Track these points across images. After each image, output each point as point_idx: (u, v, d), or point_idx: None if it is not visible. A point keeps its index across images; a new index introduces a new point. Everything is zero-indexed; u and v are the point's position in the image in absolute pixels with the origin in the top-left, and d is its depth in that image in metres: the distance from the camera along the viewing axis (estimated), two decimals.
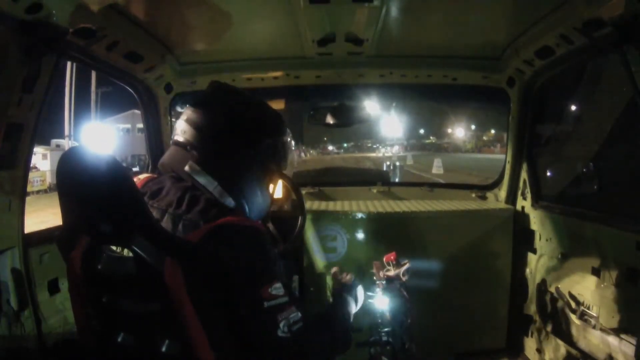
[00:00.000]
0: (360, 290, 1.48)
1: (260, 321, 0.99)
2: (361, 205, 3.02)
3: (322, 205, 3.04)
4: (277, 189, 2.57)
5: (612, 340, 1.95)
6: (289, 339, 1.01)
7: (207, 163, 1.11)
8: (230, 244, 0.98)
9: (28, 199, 1.74)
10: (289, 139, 1.28)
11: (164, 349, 0.96)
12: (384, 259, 1.67)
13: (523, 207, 2.86)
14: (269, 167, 1.22)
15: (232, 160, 1.14)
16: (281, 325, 1.00)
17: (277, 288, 1.01)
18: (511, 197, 2.98)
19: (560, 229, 2.45)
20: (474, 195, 3.27)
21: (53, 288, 1.85)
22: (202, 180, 1.10)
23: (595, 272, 2.09)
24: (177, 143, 1.16)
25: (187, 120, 1.14)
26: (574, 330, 2.29)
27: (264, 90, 3.12)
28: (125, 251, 0.99)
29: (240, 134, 1.15)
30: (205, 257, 0.95)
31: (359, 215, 2.78)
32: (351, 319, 1.37)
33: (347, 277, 1.54)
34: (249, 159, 1.16)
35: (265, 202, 1.23)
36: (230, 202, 1.11)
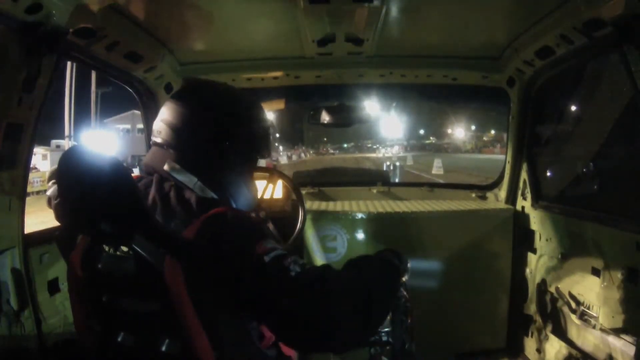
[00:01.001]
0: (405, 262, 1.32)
1: (269, 274, 0.94)
2: (361, 205, 3.02)
3: (322, 205, 3.04)
4: (277, 189, 2.59)
5: (612, 340, 1.95)
6: (305, 275, 0.95)
7: (185, 160, 1.11)
8: (223, 232, 0.97)
9: (28, 199, 1.74)
10: (266, 126, 1.26)
11: (164, 348, 0.96)
12: None
13: (523, 207, 2.86)
14: (249, 156, 1.21)
15: (210, 154, 1.13)
16: (291, 267, 0.95)
17: (270, 242, 0.99)
18: (511, 197, 2.98)
19: (560, 229, 2.45)
20: (474, 195, 3.27)
21: (53, 288, 1.85)
22: (182, 177, 1.10)
23: (595, 272, 2.09)
24: (155, 143, 1.16)
25: (163, 120, 1.15)
26: (574, 330, 2.29)
27: (264, 90, 3.12)
28: (118, 252, 0.99)
29: (214, 127, 1.14)
30: (203, 252, 0.95)
31: (359, 215, 2.78)
32: (390, 269, 1.22)
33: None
34: (226, 152, 1.15)
35: (251, 192, 1.22)
36: (213, 196, 1.11)
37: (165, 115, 1.15)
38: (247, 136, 1.19)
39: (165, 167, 1.10)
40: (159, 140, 1.15)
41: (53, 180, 1.70)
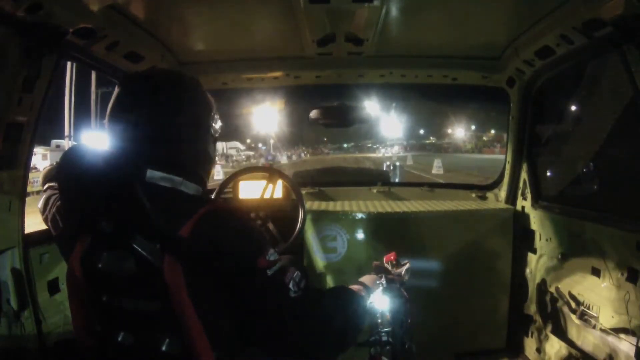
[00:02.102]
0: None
1: (271, 290, 0.98)
2: (361, 205, 3.02)
3: (322, 205, 3.04)
4: (277, 189, 2.59)
5: (612, 340, 1.95)
6: (302, 297, 1.01)
7: (168, 160, 1.05)
8: (223, 233, 0.97)
9: (28, 199, 1.74)
10: (209, 100, 1.17)
11: (164, 347, 0.96)
12: (384, 259, 1.67)
13: (523, 207, 2.86)
14: (211, 134, 1.16)
15: (197, 152, 1.11)
16: (290, 285, 1.00)
17: (272, 254, 1.01)
18: (511, 197, 2.98)
19: (560, 229, 2.45)
20: (474, 195, 3.27)
21: (53, 288, 1.85)
22: (167, 183, 1.03)
23: (595, 272, 2.09)
24: (122, 142, 1.05)
25: (136, 118, 1.04)
26: (574, 330, 2.29)
27: (264, 90, 3.13)
28: (118, 251, 0.98)
29: (201, 123, 1.11)
30: (202, 252, 0.95)
31: (359, 215, 2.78)
32: (363, 302, 1.29)
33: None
34: (208, 146, 1.14)
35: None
36: (198, 189, 1.09)
37: (134, 111, 1.04)
38: (216, 127, 1.17)
39: (147, 177, 1.01)
40: (131, 142, 1.04)
41: (48, 185, 1.69)
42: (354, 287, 1.31)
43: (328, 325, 1.07)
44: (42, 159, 19.72)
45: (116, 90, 1.10)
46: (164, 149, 1.06)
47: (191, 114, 1.10)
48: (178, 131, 1.07)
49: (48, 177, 1.73)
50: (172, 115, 1.07)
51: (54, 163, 1.75)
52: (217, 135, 1.17)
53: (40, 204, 1.58)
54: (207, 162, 1.15)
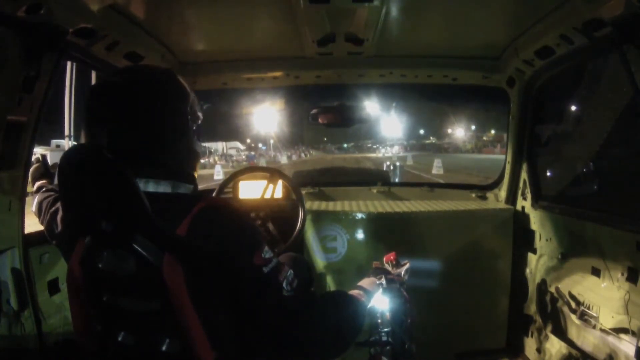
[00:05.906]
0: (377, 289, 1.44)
1: (266, 287, 0.99)
2: (361, 205, 3.02)
3: (322, 205, 3.05)
4: (277, 189, 2.59)
5: (612, 340, 1.95)
6: (294, 297, 1.02)
7: (158, 164, 1.04)
8: (212, 227, 0.97)
9: (28, 199, 1.74)
10: (191, 96, 1.12)
11: (164, 347, 0.96)
12: (384, 259, 1.67)
13: (523, 207, 2.86)
14: (194, 128, 1.12)
15: (183, 151, 1.09)
16: (284, 284, 1.01)
17: (267, 251, 1.01)
18: (511, 197, 2.98)
19: (560, 229, 2.45)
20: (474, 195, 3.27)
21: (53, 288, 1.85)
22: (160, 189, 1.03)
23: (595, 272, 2.09)
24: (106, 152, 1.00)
25: (120, 123, 1.01)
26: (574, 330, 2.29)
27: (264, 90, 3.13)
28: (119, 251, 0.98)
29: (186, 119, 1.08)
30: (201, 250, 0.95)
31: (359, 215, 2.78)
32: (362, 305, 1.28)
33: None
34: (193, 141, 1.11)
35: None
36: (189, 188, 1.09)
37: (116, 115, 1.00)
38: (196, 118, 1.13)
39: (141, 187, 1.00)
40: (119, 146, 1.00)
41: (38, 185, 1.69)
42: (353, 292, 1.31)
43: (321, 326, 1.07)
44: None
45: (89, 98, 1.04)
46: (150, 155, 1.03)
47: (172, 114, 1.06)
48: (161, 136, 1.04)
49: (35, 176, 1.73)
50: (153, 120, 1.03)
51: (40, 161, 1.76)
52: (198, 126, 1.13)
53: (34, 208, 1.58)
54: (194, 158, 1.13)
